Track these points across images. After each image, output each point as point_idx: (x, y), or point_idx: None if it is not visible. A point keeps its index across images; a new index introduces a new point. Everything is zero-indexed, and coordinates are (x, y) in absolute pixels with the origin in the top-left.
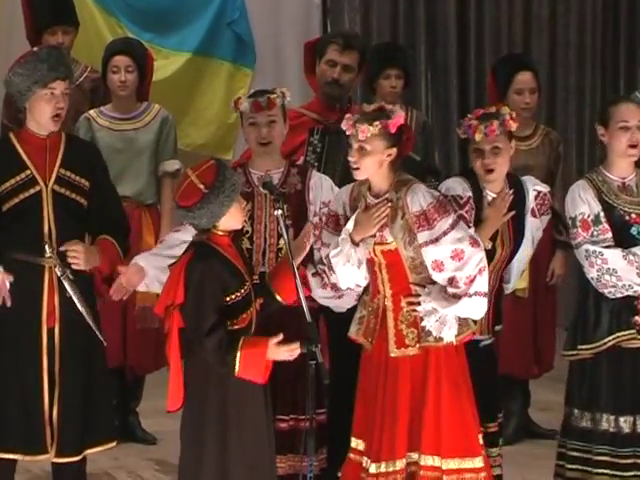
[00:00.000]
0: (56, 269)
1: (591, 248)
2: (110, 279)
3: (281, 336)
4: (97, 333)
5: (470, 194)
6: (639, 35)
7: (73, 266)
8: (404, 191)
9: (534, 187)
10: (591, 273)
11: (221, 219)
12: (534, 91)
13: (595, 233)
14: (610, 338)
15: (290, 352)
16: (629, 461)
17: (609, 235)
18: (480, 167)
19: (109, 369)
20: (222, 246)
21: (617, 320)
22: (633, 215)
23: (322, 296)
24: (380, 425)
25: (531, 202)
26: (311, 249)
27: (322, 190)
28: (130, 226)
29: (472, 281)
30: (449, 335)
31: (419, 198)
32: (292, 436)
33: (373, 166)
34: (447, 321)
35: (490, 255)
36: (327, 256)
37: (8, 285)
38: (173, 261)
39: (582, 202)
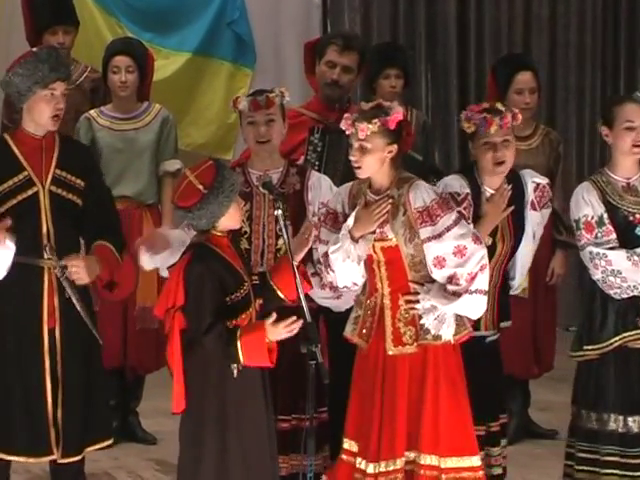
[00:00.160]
0: (55, 270)
1: (595, 250)
2: (111, 285)
3: (274, 315)
4: (94, 332)
5: (468, 191)
6: (639, 35)
7: (77, 282)
8: (406, 188)
9: (532, 179)
10: (596, 275)
11: (220, 219)
12: (534, 91)
13: (599, 235)
14: (617, 338)
15: (289, 328)
16: (639, 461)
17: (613, 236)
18: (490, 160)
19: (109, 369)
20: (221, 247)
21: (623, 320)
22: (637, 215)
23: (321, 296)
24: (378, 424)
25: (530, 194)
26: (310, 249)
27: (321, 190)
28: (122, 225)
29: (473, 278)
30: (447, 333)
31: (422, 194)
32: (294, 436)
33: (375, 164)
34: (446, 319)
35: (491, 251)
36: (324, 254)
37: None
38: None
39: (585, 204)
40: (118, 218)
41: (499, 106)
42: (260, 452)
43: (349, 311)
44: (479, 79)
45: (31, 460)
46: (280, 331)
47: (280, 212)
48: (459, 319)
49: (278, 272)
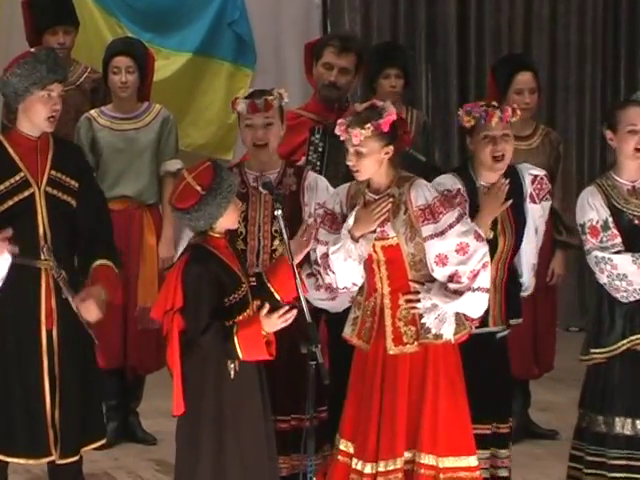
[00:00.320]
0: (52, 271)
1: (600, 254)
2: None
3: (267, 306)
4: (90, 332)
5: (459, 186)
6: (639, 35)
7: (90, 320)
8: (407, 186)
9: (529, 172)
10: (602, 279)
11: (218, 221)
12: (534, 91)
13: (604, 239)
14: (624, 342)
15: (283, 318)
16: None
17: (618, 240)
18: (490, 154)
19: (109, 369)
20: (218, 248)
21: (631, 324)
22: None
23: (316, 298)
24: (377, 424)
25: (528, 187)
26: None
27: (317, 191)
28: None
29: (475, 276)
30: (448, 332)
31: (424, 192)
32: (294, 436)
33: (372, 166)
34: (447, 318)
35: (493, 245)
36: (324, 255)
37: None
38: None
39: (590, 208)
40: (110, 219)
41: (496, 104)
42: (257, 453)
43: (349, 311)
44: (479, 79)
45: (31, 462)
46: (275, 321)
47: (280, 212)
48: (459, 319)
49: (274, 273)
